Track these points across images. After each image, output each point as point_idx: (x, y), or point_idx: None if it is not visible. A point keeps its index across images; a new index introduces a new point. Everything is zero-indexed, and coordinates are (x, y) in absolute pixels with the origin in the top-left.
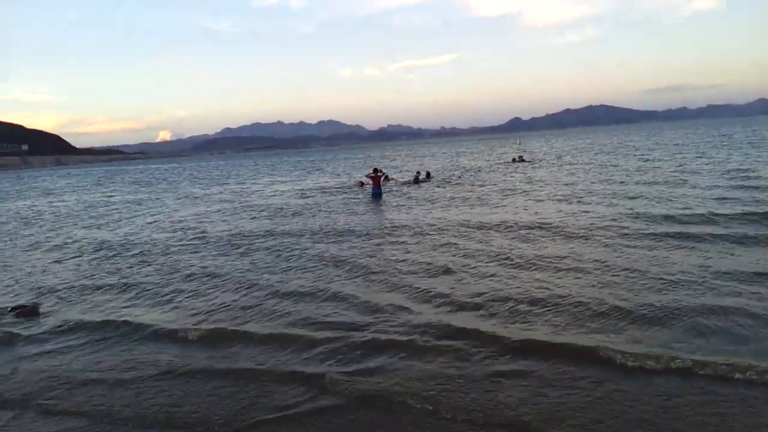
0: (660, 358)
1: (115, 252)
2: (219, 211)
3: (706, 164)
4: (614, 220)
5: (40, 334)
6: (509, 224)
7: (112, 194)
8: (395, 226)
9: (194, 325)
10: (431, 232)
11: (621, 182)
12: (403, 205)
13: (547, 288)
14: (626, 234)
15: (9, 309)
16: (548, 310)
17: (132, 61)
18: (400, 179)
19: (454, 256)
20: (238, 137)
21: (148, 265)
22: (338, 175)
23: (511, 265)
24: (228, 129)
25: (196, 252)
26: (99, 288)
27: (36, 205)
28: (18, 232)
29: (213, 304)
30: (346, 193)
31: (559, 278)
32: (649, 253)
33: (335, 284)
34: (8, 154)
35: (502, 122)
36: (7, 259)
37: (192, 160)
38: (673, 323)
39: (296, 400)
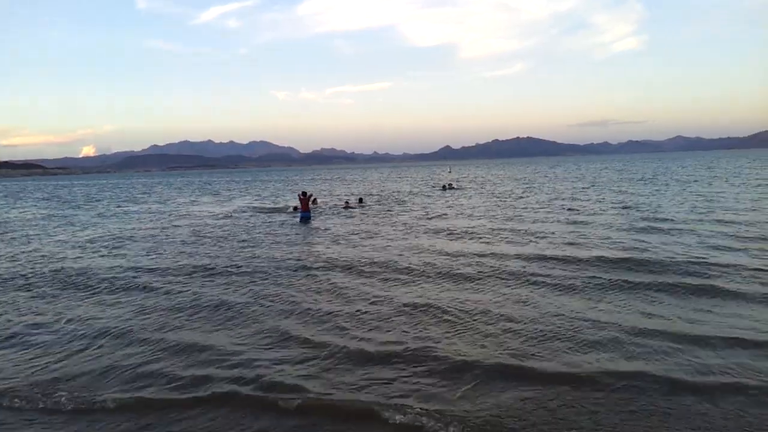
0: None
1: None
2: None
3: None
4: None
5: None
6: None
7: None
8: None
9: None
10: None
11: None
12: (328, 229)
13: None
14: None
15: None
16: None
17: (57, 73)
18: (330, 203)
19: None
20: (165, 155)
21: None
22: (268, 197)
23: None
24: (155, 146)
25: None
26: None
27: None
28: None
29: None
30: (271, 215)
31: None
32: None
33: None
34: None
35: (434, 150)
36: None
37: (117, 177)
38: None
39: None
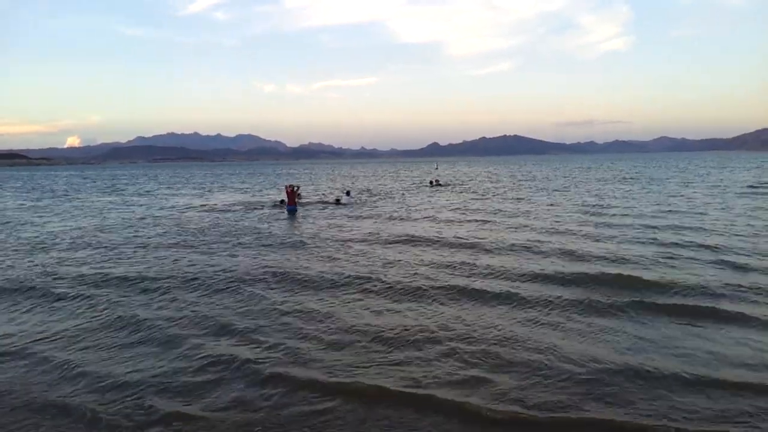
0: None
1: None
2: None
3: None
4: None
5: None
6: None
7: None
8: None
9: None
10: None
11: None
12: (312, 224)
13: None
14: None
15: None
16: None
17: (42, 63)
18: (318, 199)
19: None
20: (151, 146)
21: None
22: (256, 190)
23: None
24: (141, 137)
25: None
26: None
27: None
28: None
29: None
30: (258, 209)
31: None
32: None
33: None
34: None
35: (422, 146)
36: None
37: (102, 168)
38: None
39: None
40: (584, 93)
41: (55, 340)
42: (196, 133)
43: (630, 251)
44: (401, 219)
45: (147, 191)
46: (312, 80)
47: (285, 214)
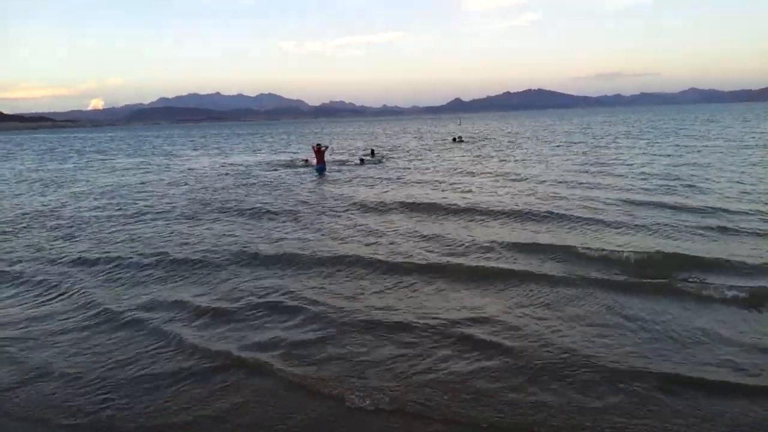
0: None
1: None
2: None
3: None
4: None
5: None
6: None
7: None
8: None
9: None
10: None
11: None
12: (346, 182)
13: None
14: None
15: None
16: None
17: (64, 26)
18: (343, 158)
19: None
20: (173, 107)
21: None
22: (283, 150)
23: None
24: (163, 99)
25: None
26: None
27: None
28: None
29: None
30: (286, 168)
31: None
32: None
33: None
34: None
35: (444, 102)
36: None
37: (126, 130)
38: None
39: None
40: (610, 45)
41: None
42: (218, 93)
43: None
44: (426, 182)
45: (191, 150)
46: (331, 37)
47: (314, 174)
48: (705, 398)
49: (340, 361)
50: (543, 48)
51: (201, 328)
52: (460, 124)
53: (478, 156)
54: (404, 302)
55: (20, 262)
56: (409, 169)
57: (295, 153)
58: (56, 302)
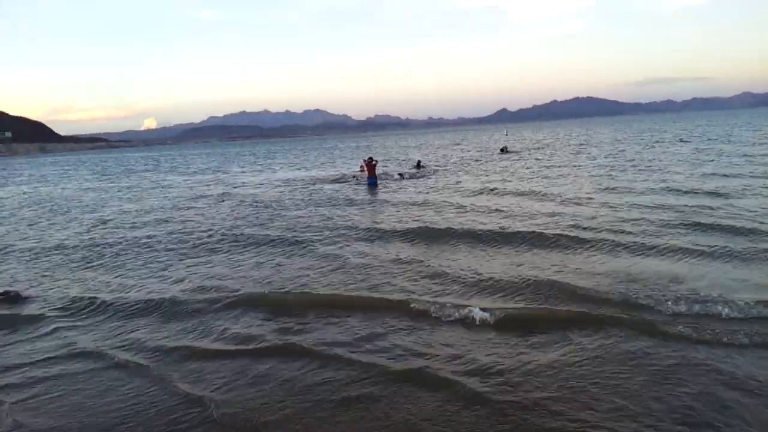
0: None
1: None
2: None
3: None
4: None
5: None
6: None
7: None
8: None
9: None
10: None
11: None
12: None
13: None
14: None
15: None
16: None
17: (118, 48)
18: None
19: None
20: (223, 126)
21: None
22: (336, 165)
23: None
24: (213, 117)
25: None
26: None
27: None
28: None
29: None
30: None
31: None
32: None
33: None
34: None
35: (489, 113)
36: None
37: (178, 148)
38: None
39: None
40: (661, 50)
41: None
42: (266, 111)
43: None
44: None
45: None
46: (375, 51)
47: (365, 188)
48: None
49: None
50: (591, 56)
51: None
52: (506, 135)
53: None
54: None
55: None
56: (459, 182)
57: (348, 167)
58: None
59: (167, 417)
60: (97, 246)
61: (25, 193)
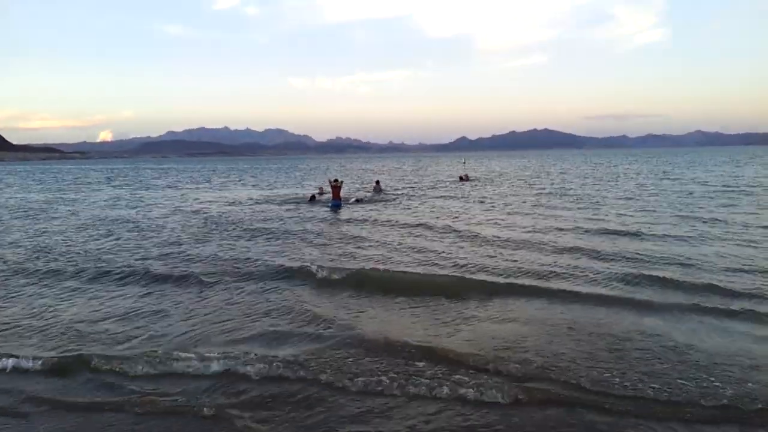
0: None
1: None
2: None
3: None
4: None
5: None
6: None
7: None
8: None
9: None
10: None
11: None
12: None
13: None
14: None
15: None
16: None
17: (76, 59)
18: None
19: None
20: (182, 141)
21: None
22: (294, 185)
23: None
24: (172, 132)
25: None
26: None
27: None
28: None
29: None
30: (301, 204)
31: None
32: None
33: None
34: None
35: (450, 140)
36: None
37: (134, 162)
38: None
39: None
40: (618, 86)
41: None
42: (225, 128)
43: None
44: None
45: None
46: (341, 74)
47: (327, 210)
48: None
49: None
50: (550, 88)
51: None
52: (464, 164)
53: (484, 198)
54: None
55: None
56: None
57: (307, 187)
58: None
59: None
60: None
61: None
